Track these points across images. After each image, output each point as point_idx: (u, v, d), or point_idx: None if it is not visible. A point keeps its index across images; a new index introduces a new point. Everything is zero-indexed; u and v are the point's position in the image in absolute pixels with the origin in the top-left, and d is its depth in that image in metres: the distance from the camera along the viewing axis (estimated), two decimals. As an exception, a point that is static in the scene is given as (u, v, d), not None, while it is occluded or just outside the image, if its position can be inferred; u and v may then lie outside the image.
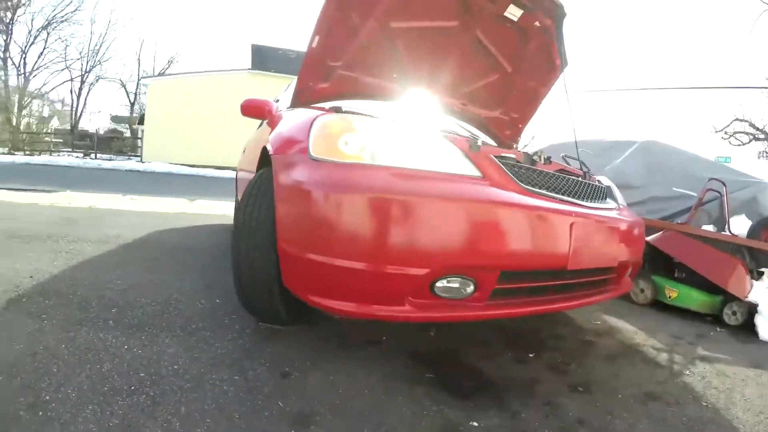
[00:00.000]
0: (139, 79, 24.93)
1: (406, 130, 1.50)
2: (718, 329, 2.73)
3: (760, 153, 20.30)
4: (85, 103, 25.85)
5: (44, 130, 21.10)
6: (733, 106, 32.18)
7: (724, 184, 3.48)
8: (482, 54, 2.75)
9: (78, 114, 26.01)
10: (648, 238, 3.24)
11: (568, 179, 1.79)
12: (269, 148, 1.76)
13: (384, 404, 1.31)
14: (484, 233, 1.32)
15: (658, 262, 3.23)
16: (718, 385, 1.84)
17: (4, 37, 21.75)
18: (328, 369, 1.48)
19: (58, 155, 18.07)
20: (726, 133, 20.67)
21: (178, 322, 1.73)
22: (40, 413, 1.07)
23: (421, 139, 1.48)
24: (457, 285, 1.33)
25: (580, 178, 1.97)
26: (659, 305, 3.06)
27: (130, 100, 27.81)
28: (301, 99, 2.37)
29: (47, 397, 1.14)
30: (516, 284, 1.48)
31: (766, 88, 18.20)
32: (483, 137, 3.09)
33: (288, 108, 2.28)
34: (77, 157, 18.02)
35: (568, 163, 3.65)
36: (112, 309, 1.79)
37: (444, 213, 1.27)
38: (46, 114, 22.53)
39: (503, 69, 2.87)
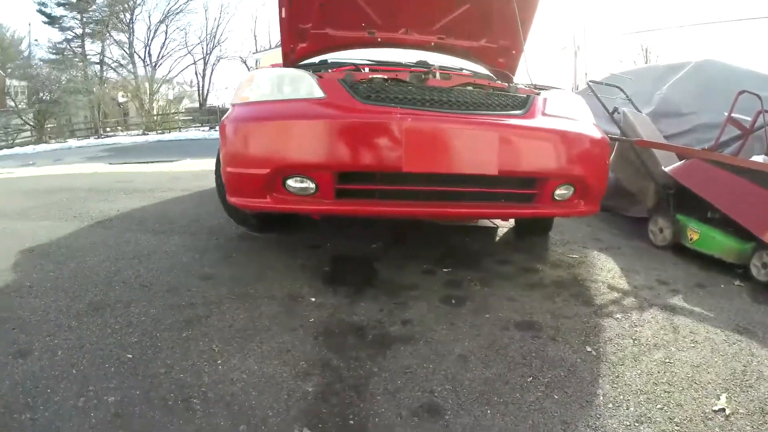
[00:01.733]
0: (255, 53, 27.15)
1: (282, 72, 1.95)
2: (736, 283, 2.16)
3: None
4: (210, 82, 28.96)
5: (173, 111, 24.68)
6: None
7: (759, 97, 2.82)
8: (448, -14, 2.92)
9: (205, 92, 29.51)
10: (667, 169, 2.90)
11: (431, 90, 1.90)
12: None
13: (272, 278, 1.87)
14: (309, 141, 1.71)
15: (688, 199, 2.69)
16: (642, 338, 1.49)
17: (128, 36, 25.36)
18: (258, 258, 2.10)
19: (187, 131, 21.16)
20: None
21: (191, 231, 2.53)
22: (84, 263, 1.96)
23: (287, 76, 1.90)
24: (302, 184, 1.74)
25: (481, 89, 2.08)
26: (690, 251, 2.55)
27: (250, 74, 30.44)
28: (287, 60, 2.90)
29: (89, 258, 2.03)
30: (362, 186, 1.78)
31: None
32: (467, 66, 3.28)
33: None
34: (203, 130, 20.95)
35: (593, 91, 3.52)
36: (156, 224, 2.67)
37: (277, 128, 1.73)
38: (171, 97, 26.18)
39: None
